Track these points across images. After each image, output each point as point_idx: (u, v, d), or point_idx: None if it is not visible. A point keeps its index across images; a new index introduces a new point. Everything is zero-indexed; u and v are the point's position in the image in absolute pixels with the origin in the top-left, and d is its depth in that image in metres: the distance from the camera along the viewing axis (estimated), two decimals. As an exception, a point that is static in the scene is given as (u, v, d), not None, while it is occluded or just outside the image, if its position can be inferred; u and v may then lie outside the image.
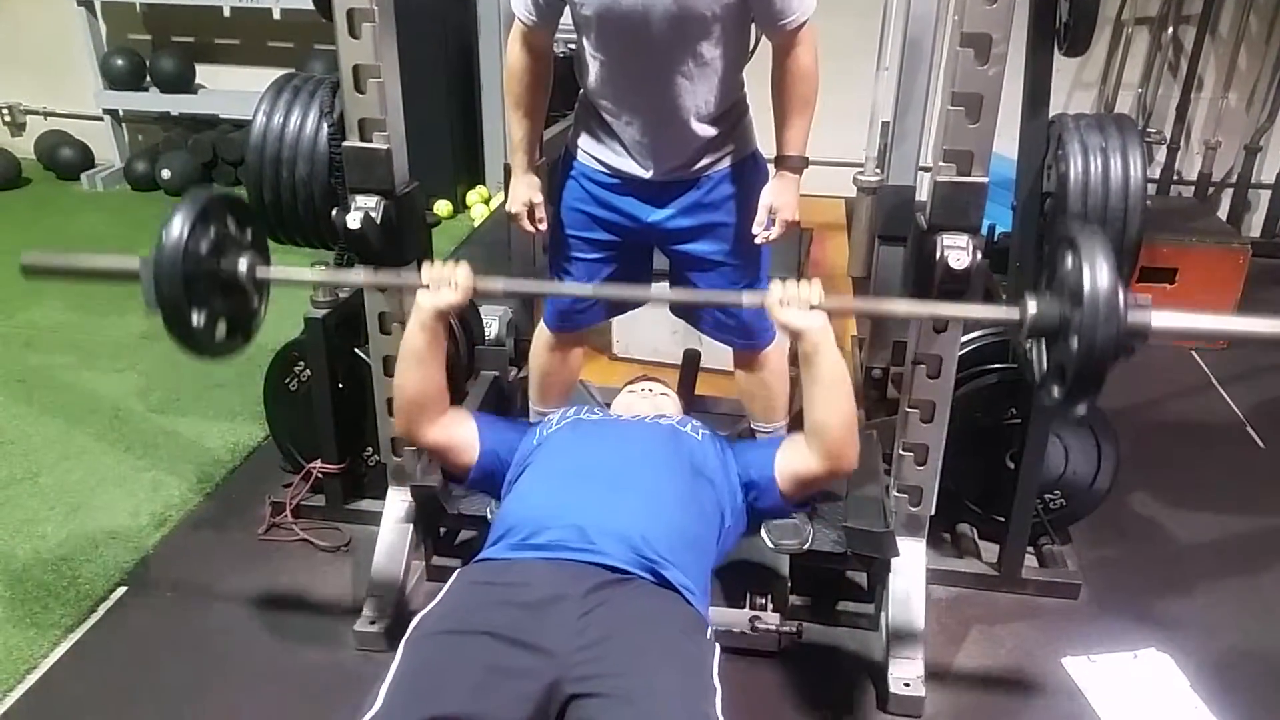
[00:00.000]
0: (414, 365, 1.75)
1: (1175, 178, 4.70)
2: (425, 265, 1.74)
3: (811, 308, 1.63)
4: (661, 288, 2.26)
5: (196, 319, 1.61)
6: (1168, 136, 4.61)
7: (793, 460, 1.74)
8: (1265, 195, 4.66)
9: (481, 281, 1.73)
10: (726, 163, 2.02)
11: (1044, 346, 1.51)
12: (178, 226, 1.58)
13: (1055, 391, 1.45)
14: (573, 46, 2.08)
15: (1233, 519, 2.61)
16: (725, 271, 2.09)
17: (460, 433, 1.81)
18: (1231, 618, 2.24)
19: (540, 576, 1.48)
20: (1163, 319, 1.40)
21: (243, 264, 1.66)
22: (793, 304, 1.63)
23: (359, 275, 1.97)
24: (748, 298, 1.75)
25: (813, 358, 1.64)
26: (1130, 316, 1.36)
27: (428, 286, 1.71)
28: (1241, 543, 2.53)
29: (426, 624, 1.44)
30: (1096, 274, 1.35)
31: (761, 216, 1.98)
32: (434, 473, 2.26)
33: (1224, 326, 1.43)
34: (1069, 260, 1.43)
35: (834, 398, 1.66)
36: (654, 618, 1.45)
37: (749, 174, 2.03)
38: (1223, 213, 4.65)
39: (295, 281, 1.97)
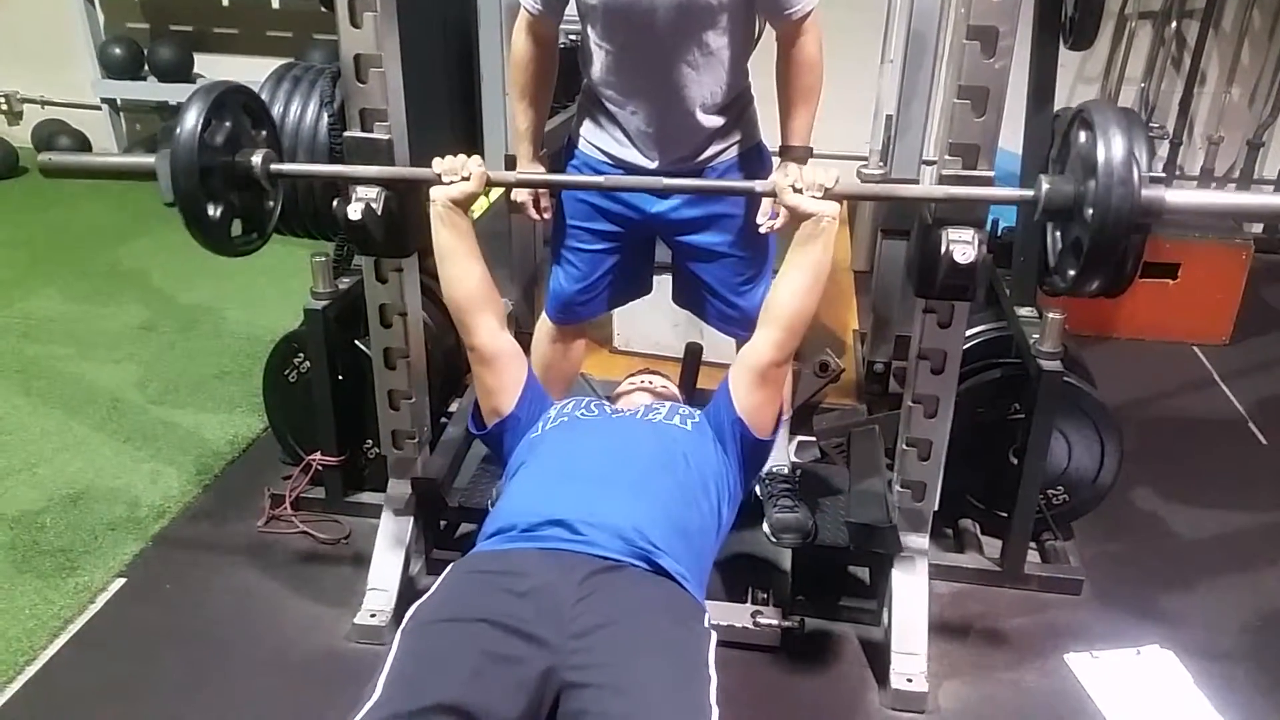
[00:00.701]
0: (449, 263, 1.77)
1: (1178, 173, 4.68)
2: (436, 159, 1.76)
3: (825, 193, 1.63)
4: (669, 290, 2.25)
5: (213, 212, 1.63)
6: (1170, 131, 4.59)
7: (743, 375, 1.74)
8: (1268, 191, 4.65)
9: (494, 173, 1.77)
10: (732, 153, 2.00)
11: (1059, 227, 1.49)
12: (192, 119, 1.59)
13: (1070, 271, 1.43)
14: (575, 38, 2.07)
15: (1236, 515, 2.60)
16: (729, 263, 2.08)
17: (511, 360, 1.81)
18: (1235, 614, 2.24)
19: (535, 565, 1.48)
20: (1177, 195, 1.38)
21: (257, 159, 1.68)
22: (807, 189, 1.64)
23: (369, 170, 1.91)
24: (760, 186, 1.74)
25: (811, 243, 1.66)
26: (1144, 191, 1.34)
27: (441, 178, 1.73)
28: (1244, 539, 2.53)
29: (422, 613, 1.44)
30: (1111, 147, 1.33)
31: (766, 206, 1.97)
32: (433, 466, 2.26)
33: (1238, 202, 1.43)
34: (1083, 136, 1.41)
35: (809, 284, 1.68)
36: (648, 605, 1.45)
37: (754, 164, 2.02)
38: (1225, 208, 4.64)
39: (310, 174, 1.99)
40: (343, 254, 2.41)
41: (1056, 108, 2.28)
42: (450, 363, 2.64)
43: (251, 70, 3.19)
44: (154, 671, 2.00)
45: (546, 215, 2.18)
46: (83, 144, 5.45)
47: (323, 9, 1.96)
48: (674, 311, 2.32)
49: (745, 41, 1.91)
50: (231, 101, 1.68)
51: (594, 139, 2.04)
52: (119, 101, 5.37)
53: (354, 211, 1.84)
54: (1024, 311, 2.30)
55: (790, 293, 1.70)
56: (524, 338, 2.59)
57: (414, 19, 2.02)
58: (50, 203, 4.95)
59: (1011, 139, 1.98)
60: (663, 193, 1.98)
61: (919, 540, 2.08)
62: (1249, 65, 4.59)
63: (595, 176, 2.00)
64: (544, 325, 2.31)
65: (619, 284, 2.20)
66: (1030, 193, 1.49)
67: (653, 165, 1.98)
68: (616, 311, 2.83)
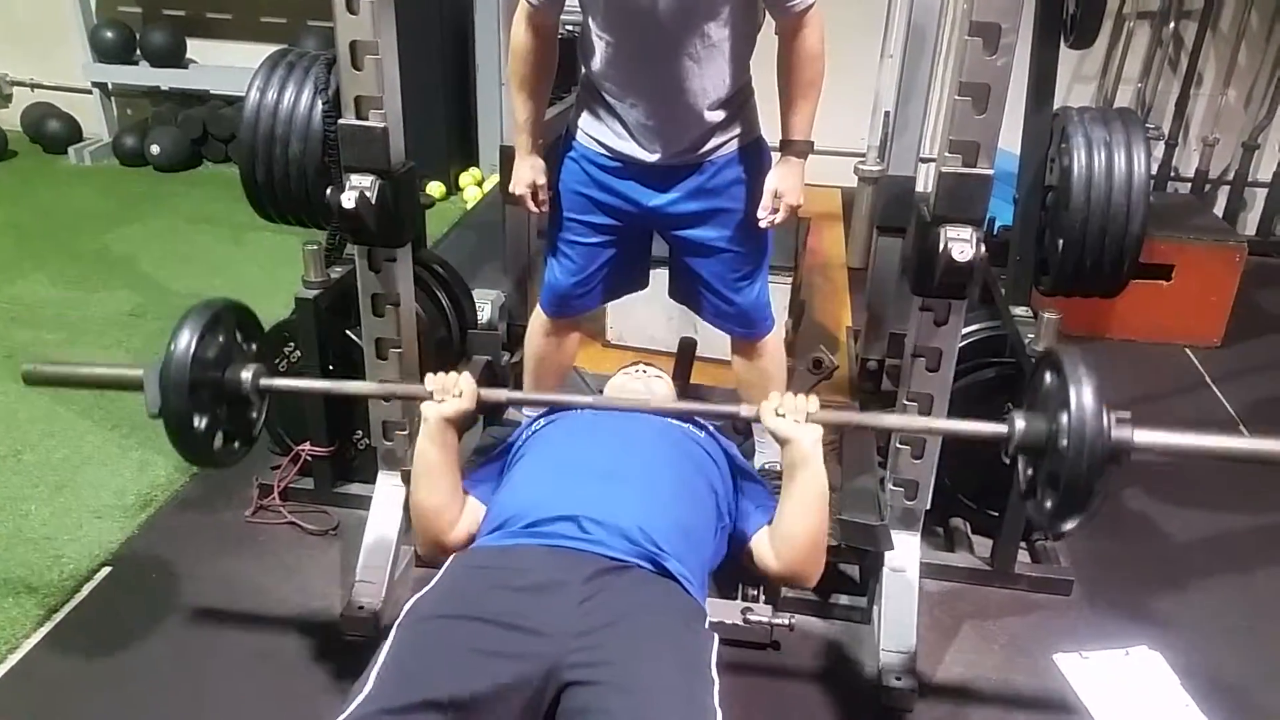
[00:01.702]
0: (428, 477, 1.71)
1: (1173, 174, 4.69)
2: (429, 376, 1.73)
3: (807, 419, 1.62)
4: (665, 284, 2.24)
5: (199, 426, 1.62)
6: (1166, 132, 4.59)
7: (764, 550, 1.72)
8: (1262, 193, 4.66)
9: (485, 391, 1.73)
10: (732, 147, 1.99)
11: (1031, 462, 1.55)
12: (185, 339, 1.58)
13: (1043, 505, 1.49)
14: (574, 28, 2.05)
15: (1225, 517, 2.61)
16: (727, 258, 2.07)
17: (474, 518, 1.75)
18: (1223, 616, 2.24)
19: (538, 562, 1.47)
20: (1144, 436, 1.43)
21: (247, 375, 1.67)
22: (788, 414, 1.62)
23: (363, 386, 1.99)
24: (744, 410, 1.70)
25: (797, 469, 1.63)
26: (1114, 435, 1.40)
27: (432, 395, 1.70)
28: (1234, 541, 2.53)
29: (421, 608, 1.43)
30: (1081, 397, 1.39)
31: (767, 201, 1.96)
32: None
33: (1204, 444, 1.49)
34: (1055, 378, 1.48)
35: (808, 514, 1.65)
36: (653, 607, 1.44)
37: (754, 159, 2.01)
38: (1219, 210, 4.65)
39: (300, 389, 1.96)
40: (335, 243, 2.39)
41: (1055, 106, 2.28)
42: (442, 354, 2.62)
43: (245, 56, 3.15)
44: (139, 660, 1.99)
45: (545, 208, 2.16)
46: (73, 128, 5.41)
47: (318, -5, 1.94)
48: (668, 306, 2.31)
49: (747, 35, 1.90)
50: (225, 319, 1.66)
51: (593, 131, 2.03)
52: (110, 85, 5.33)
53: (348, 200, 1.82)
54: (1019, 311, 2.30)
55: (792, 525, 1.66)
56: (517, 330, 2.59)
57: (411, 7, 2.00)
58: (39, 187, 4.92)
59: (1008, 138, 1.97)
60: (664, 178, 1.98)
61: (910, 538, 2.08)
62: (1245, 67, 4.60)
63: (585, 397, 2.01)
64: (538, 318, 2.30)
65: (615, 278, 2.19)
66: (1004, 429, 1.53)
67: (653, 158, 1.97)
68: (610, 305, 2.82)
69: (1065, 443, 1.40)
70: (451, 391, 1.70)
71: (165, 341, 1.57)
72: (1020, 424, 1.52)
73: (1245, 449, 1.53)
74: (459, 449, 1.75)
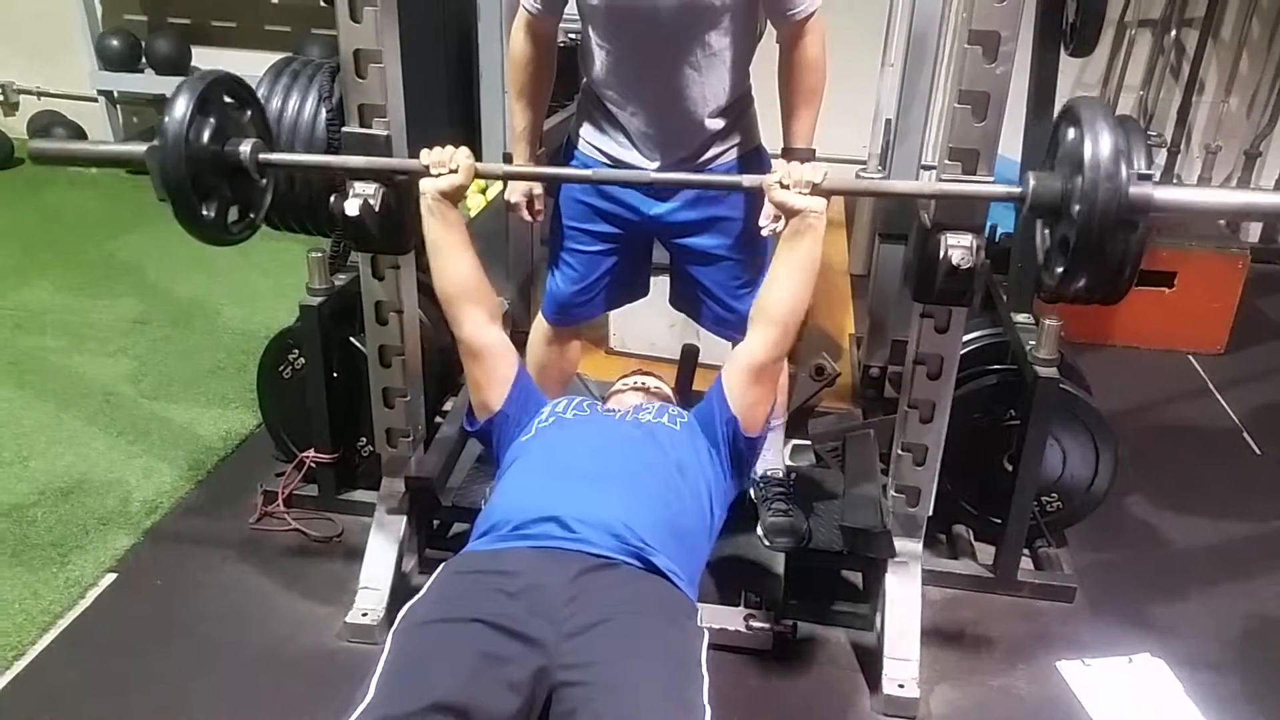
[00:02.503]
0: (439, 255, 1.76)
1: (1175, 181, 4.69)
2: (424, 150, 1.76)
3: (813, 189, 1.63)
4: (665, 291, 2.25)
5: (202, 206, 1.63)
6: (1168, 140, 4.60)
7: (737, 373, 1.73)
8: (1262, 191, 4.66)
9: (481, 166, 1.77)
10: (732, 155, 2.00)
11: (1048, 225, 1.49)
12: (179, 111, 1.58)
13: (1057, 269, 1.43)
14: (574, 37, 2.06)
15: (1229, 524, 2.60)
16: (727, 266, 2.07)
17: (500, 354, 1.79)
18: (1227, 623, 2.24)
19: (527, 564, 1.48)
20: (1165, 193, 1.38)
21: (246, 148, 1.68)
22: (794, 186, 1.64)
23: (356, 161, 1.91)
24: (748, 180, 1.72)
25: (800, 239, 1.66)
26: (1132, 188, 1.34)
27: (429, 170, 1.73)
28: (1237, 548, 2.53)
29: (415, 614, 1.43)
30: (1098, 144, 1.33)
31: (768, 209, 1.96)
32: (427, 465, 2.25)
33: (1225, 199, 1.45)
34: (1071, 133, 1.42)
35: (802, 281, 1.70)
36: (641, 603, 1.45)
37: (753, 167, 2.01)
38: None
39: (299, 165, 1.99)
40: (339, 250, 2.40)
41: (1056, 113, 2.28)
42: (445, 361, 2.63)
43: (250, 64, 3.17)
44: (144, 667, 1.99)
45: (540, 217, 2.18)
46: (78, 135, 5.41)
47: (322, 3, 1.95)
48: (670, 313, 2.32)
49: (747, 43, 1.91)
50: (218, 91, 1.67)
51: (594, 140, 2.04)
52: (116, 94, 5.35)
53: (351, 207, 1.83)
54: (1021, 318, 2.30)
55: (782, 289, 1.70)
56: (520, 337, 2.59)
57: (414, 15, 2.01)
58: (45, 194, 4.94)
59: (1011, 146, 1.98)
60: (653, 187, 1.98)
61: (913, 545, 2.07)
62: (1247, 75, 4.60)
63: (584, 170, 1.99)
64: (540, 326, 2.30)
65: (616, 286, 2.20)
66: (1018, 189, 1.49)
67: (653, 167, 1.98)
68: (613, 313, 2.82)
69: (1080, 197, 1.34)
70: (448, 165, 1.74)
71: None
72: (1033, 181, 1.47)
73: (1265, 202, 1.49)
74: (463, 225, 1.79)
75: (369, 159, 1.88)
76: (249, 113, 1.77)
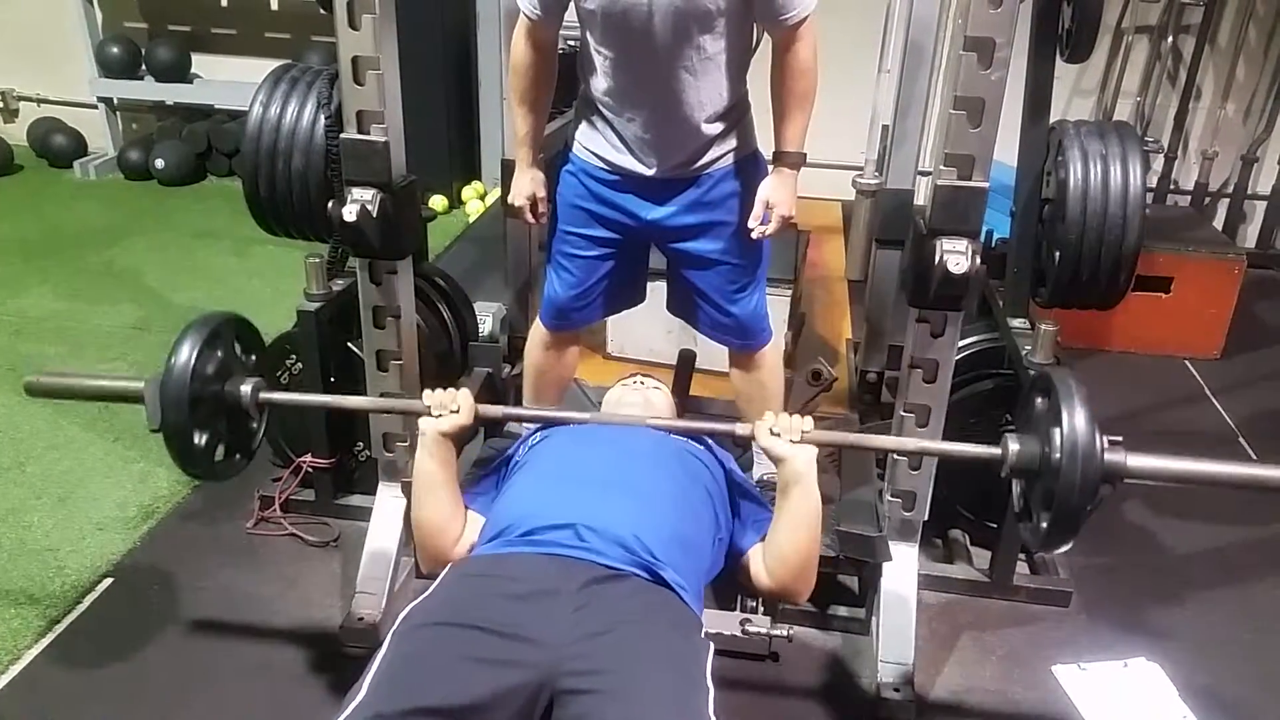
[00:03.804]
0: (429, 494, 1.71)
1: (1172, 187, 4.70)
2: (426, 392, 1.75)
3: (801, 438, 1.63)
4: (663, 296, 2.26)
5: (199, 440, 1.64)
6: (1165, 146, 4.61)
7: (757, 567, 1.73)
8: (1261, 206, 4.68)
9: (483, 408, 1.74)
10: (728, 160, 2.01)
11: (1025, 484, 1.57)
12: (185, 353, 1.60)
13: (1035, 529, 1.51)
14: (573, 44, 2.07)
15: (1224, 529, 2.61)
16: (724, 270, 2.08)
17: (474, 531, 1.74)
18: (1222, 628, 2.24)
19: (534, 570, 1.48)
20: (1138, 461, 1.46)
21: (247, 389, 1.69)
22: (782, 433, 1.64)
23: (361, 401, 2.00)
24: (740, 428, 1.71)
25: (791, 488, 1.64)
26: (1106, 458, 1.42)
27: (430, 410, 1.71)
28: (1233, 553, 2.53)
29: (416, 616, 1.43)
30: (1074, 418, 1.42)
31: (758, 212, 1.97)
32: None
33: (1196, 469, 1.51)
34: (1045, 401, 1.50)
35: (800, 534, 1.66)
36: (648, 615, 1.44)
37: (750, 172, 2.02)
38: (1218, 223, 4.66)
39: (299, 403, 2.00)
40: (337, 256, 2.41)
41: (1052, 120, 2.29)
42: (443, 366, 2.63)
43: (249, 71, 3.18)
44: (140, 672, 1.99)
45: (543, 220, 2.18)
46: (78, 142, 5.44)
47: (321, 11, 1.96)
48: (667, 318, 2.32)
49: (743, 48, 1.92)
50: (225, 332, 1.69)
51: (591, 145, 2.04)
52: (115, 100, 5.37)
53: (349, 213, 1.84)
54: (1016, 323, 2.30)
55: (784, 544, 1.67)
56: (518, 342, 2.60)
57: (413, 22, 2.02)
58: (44, 201, 4.95)
59: (1005, 151, 1.99)
60: (662, 192, 1.98)
61: (908, 550, 2.08)
62: (1244, 81, 4.61)
63: (584, 414, 1.96)
64: (538, 331, 2.31)
65: (614, 291, 2.20)
66: (998, 451, 1.55)
67: (650, 172, 1.99)
68: (610, 318, 2.83)
69: (1058, 467, 1.41)
70: (449, 407, 1.71)
71: (166, 355, 1.58)
72: (1014, 447, 1.54)
73: (1240, 475, 1.54)
74: (457, 463, 1.75)
75: (371, 399, 1.95)
76: (250, 351, 1.78)
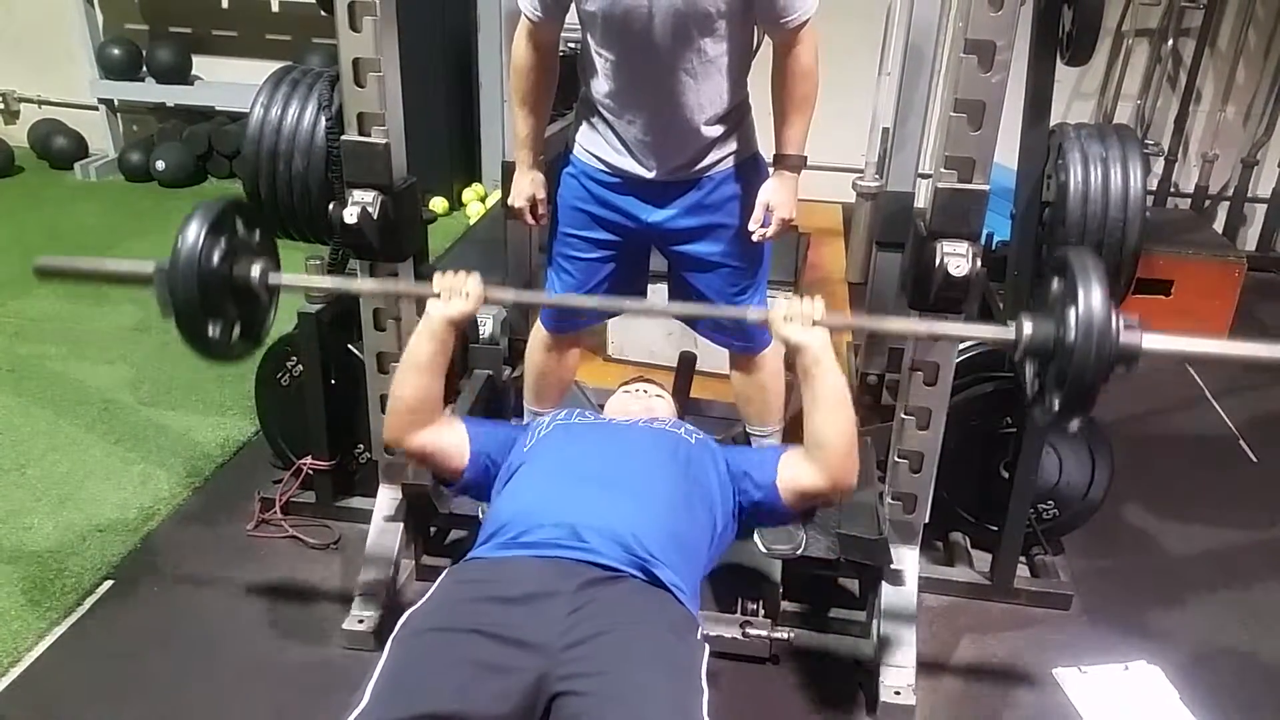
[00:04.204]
0: (416, 374, 1.71)
1: (1172, 190, 4.71)
2: (436, 274, 1.73)
3: (814, 324, 1.63)
4: (663, 299, 2.25)
5: (210, 326, 1.63)
6: (1165, 148, 4.62)
7: (796, 472, 1.71)
8: (1261, 209, 4.68)
9: (492, 290, 1.73)
10: (729, 163, 2.01)
11: (1038, 365, 1.53)
12: (193, 235, 1.58)
13: (1047, 409, 1.48)
14: (574, 46, 2.07)
15: (1225, 532, 2.61)
16: (725, 273, 2.08)
17: (449, 438, 1.76)
18: (1223, 631, 2.24)
19: (530, 573, 1.47)
20: (1153, 341, 1.42)
21: (255, 271, 1.68)
22: (795, 320, 1.63)
23: (370, 283, 1.95)
24: (752, 313, 1.73)
25: (813, 374, 1.63)
26: (1122, 339, 1.39)
27: (439, 295, 1.70)
28: (1233, 556, 2.53)
29: (414, 621, 1.43)
30: (1090, 297, 1.38)
31: (758, 214, 1.97)
32: (424, 472, 2.25)
33: (1213, 349, 1.49)
34: (1062, 281, 1.46)
35: (834, 416, 1.64)
36: (644, 616, 1.44)
37: (751, 175, 2.02)
38: (1219, 225, 4.67)
39: (306, 287, 1.97)
40: (338, 257, 2.41)
41: (1052, 123, 2.29)
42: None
43: (250, 73, 3.18)
44: (140, 674, 1.99)
45: (543, 221, 2.18)
46: (79, 144, 5.44)
47: (322, 12, 1.96)
48: (668, 320, 2.32)
49: (743, 51, 1.92)
50: (231, 214, 1.68)
51: (591, 147, 2.04)
52: (116, 102, 5.37)
53: (350, 215, 1.84)
54: (1017, 325, 2.30)
55: (822, 430, 1.65)
56: (518, 344, 2.60)
57: (413, 24, 2.02)
58: (44, 202, 4.95)
59: (1005, 154, 1.99)
60: (663, 195, 1.99)
61: (909, 553, 2.08)
62: (1244, 84, 4.62)
63: (585, 297, 2.02)
64: (538, 333, 2.31)
65: (614, 293, 2.20)
66: (1011, 334, 1.53)
67: (650, 174, 1.99)
68: (611, 320, 2.83)
69: (1072, 347, 1.38)
70: (459, 292, 1.70)
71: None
72: (1028, 327, 1.51)
73: (1248, 354, 1.52)
74: (450, 352, 1.74)
75: (382, 281, 1.90)
76: (257, 234, 1.78)
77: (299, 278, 1.85)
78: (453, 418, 1.80)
